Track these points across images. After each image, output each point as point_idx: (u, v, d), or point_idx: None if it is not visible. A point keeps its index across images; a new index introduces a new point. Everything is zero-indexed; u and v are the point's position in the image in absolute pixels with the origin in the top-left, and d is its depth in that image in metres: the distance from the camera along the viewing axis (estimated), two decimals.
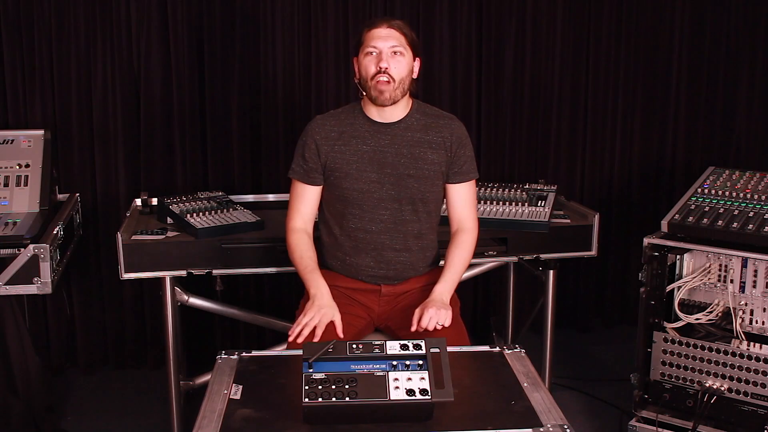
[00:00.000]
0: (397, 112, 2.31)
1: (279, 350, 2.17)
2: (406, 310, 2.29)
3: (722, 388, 2.64)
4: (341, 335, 2.10)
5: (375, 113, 2.31)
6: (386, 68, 2.21)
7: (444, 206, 2.44)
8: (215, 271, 2.72)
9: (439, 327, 2.10)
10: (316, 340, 2.02)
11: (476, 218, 2.43)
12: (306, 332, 2.05)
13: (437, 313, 2.12)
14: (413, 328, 2.12)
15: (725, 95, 3.94)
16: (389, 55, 2.22)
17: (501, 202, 3.01)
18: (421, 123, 2.33)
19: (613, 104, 3.87)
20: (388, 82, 2.21)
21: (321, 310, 2.11)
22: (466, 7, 3.62)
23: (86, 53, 3.31)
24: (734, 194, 2.78)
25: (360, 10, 3.51)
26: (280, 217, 3.02)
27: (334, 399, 1.59)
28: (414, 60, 2.29)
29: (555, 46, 3.74)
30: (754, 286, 2.63)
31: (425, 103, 2.41)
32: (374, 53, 2.23)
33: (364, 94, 2.29)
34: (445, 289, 2.25)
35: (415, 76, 2.31)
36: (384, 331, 2.40)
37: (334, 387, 1.61)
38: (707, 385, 2.66)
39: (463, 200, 2.40)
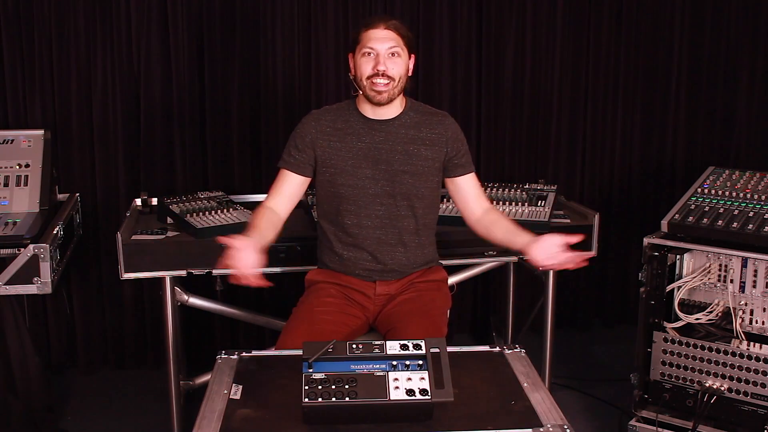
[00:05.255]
0: (391, 110, 2.33)
1: (279, 350, 2.16)
2: (398, 314, 2.30)
3: (722, 388, 2.64)
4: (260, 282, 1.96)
5: (369, 111, 2.33)
6: (384, 71, 2.23)
7: (448, 205, 2.42)
8: (215, 271, 2.73)
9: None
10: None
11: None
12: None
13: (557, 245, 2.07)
14: (550, 264, 2.09)
15: (725, 95, 3.94)
16: (387, 57, 2.24)
17: (501, 202, 3.01)
18: (415, 120, 2.36)
19: (613, 104, 3.86)
20: (387, 83, 2.24)
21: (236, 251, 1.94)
22: (466, 7, 3.62)
23: (86, 53, 3.31)
24: (734, 194, 2.78)
25: (360, 10, 3.51)
26: None
27: (333, 399, 1.59)
28: (410, 58, 2.32)
29: (555, 45, 3.74)
30: (754, 286, 2.62)
31: (418, 102, 2.43)
32: (371, 54, 2.25)
33: (359, 91, 2.31)
34: (527, 235, 2.20)
35: (410, 73, 2.33)
36: (378, 329, 2.40)
37: (334, 387, 1.61)
38: (707, 385, 2.66)
39: (475, 190, 2.44)
